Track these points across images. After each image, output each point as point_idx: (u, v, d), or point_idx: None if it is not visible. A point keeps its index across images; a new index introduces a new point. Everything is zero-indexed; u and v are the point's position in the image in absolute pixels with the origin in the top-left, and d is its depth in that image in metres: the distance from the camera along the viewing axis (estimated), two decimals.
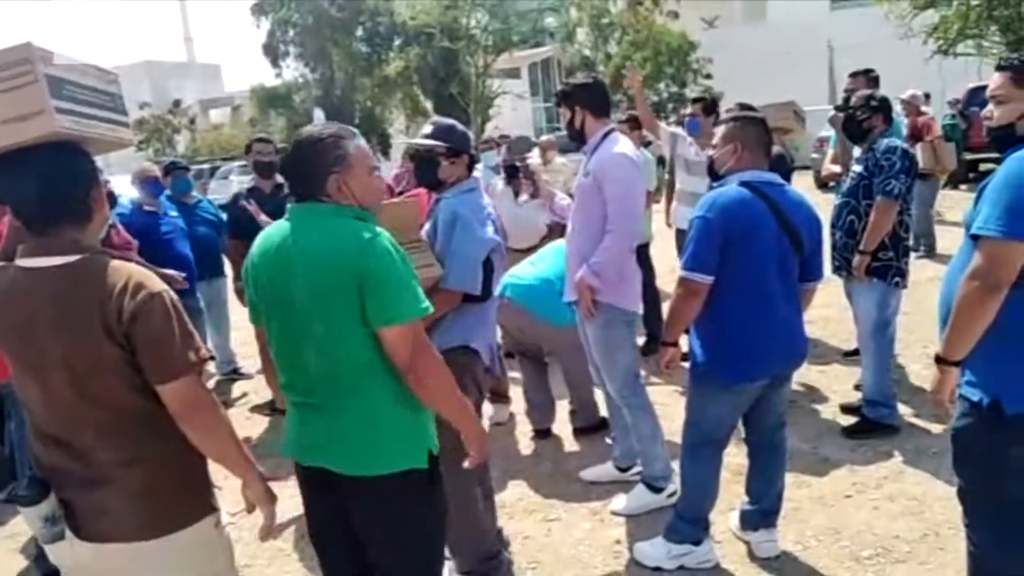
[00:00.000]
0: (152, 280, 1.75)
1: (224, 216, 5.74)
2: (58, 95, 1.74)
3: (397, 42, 32.08)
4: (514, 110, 31.23)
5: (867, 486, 3.60)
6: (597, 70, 28.71)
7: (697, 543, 3.04)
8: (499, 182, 5.84)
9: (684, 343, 3.00)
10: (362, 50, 32.56)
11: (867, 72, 5.35)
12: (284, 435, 2.13)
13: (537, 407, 4.55)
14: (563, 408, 4.58)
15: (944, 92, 16.42)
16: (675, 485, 3.53)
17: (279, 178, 5.34)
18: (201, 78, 53.94)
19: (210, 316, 5.88)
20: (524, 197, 4.27)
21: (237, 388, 6.05)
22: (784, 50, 24.65)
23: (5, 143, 1.71)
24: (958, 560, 2.65)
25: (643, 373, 3.72)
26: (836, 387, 4.85)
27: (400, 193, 6.28)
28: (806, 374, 5.09)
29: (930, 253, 8.21)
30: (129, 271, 1.74)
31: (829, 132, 5.40)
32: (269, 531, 1.98)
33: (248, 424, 5.19)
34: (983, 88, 2.87)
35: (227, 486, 2.47)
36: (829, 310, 6.20)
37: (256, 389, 5.82)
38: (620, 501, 3.60)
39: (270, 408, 5.31)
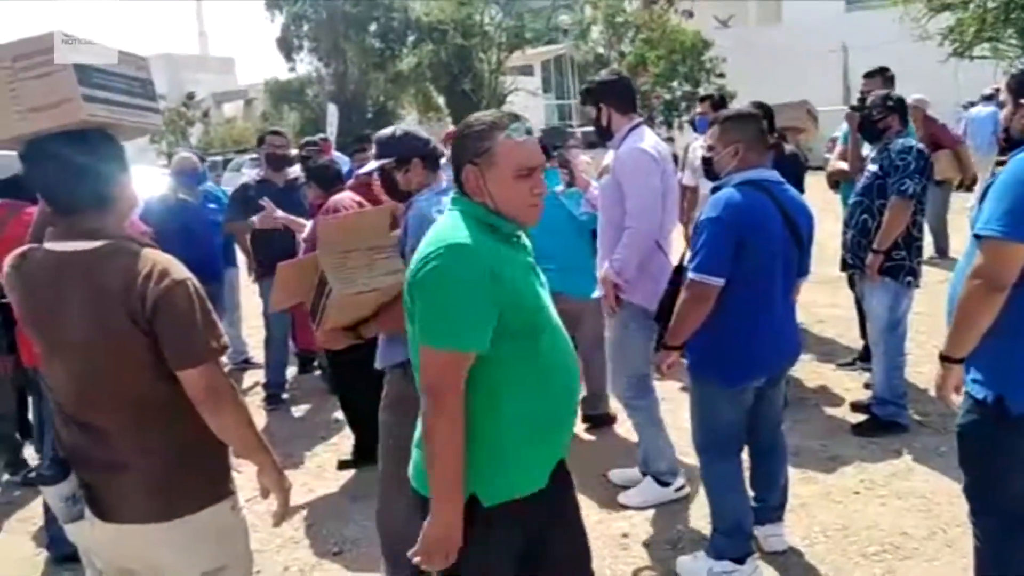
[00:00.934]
0: (176, 267, 1.79)
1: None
2: (87, 83, 1.77)
3: (411, 38, 32.09)
4: (527, 107, 31.20)
5: (876, 483, 3.61)
6: (614, 68, 28.68)
7: (740, 561, 2.87)
8: None
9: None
10: (375, 45, 32.56)
11: (883, 71, 5.34)
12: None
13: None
14: None
15: (960, 95, 16.34)
16: (683, 480, 3.55)
17: (292, 172, 5.38)
18: (215, 71, 54.11)
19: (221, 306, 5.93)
20: (560, 186, 4.27)
21: (248, 378, 6.10)
22: (798, 50, 24.52)
23: (33, 130, 1.75)
24: (966, 558, 2.66)
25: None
26: (847, 385, 4.85)
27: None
28: (818, 372, 5.10)
29: (942, 255, 8.18)
30: (154, 258, 1.77)
31: (840, 132, 5.39)
32: (283, 516, 2.01)
33: (259, 414, 5.23)
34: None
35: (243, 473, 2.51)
36: (840, 309, 6.20)
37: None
38: (628, 494, 3.61)
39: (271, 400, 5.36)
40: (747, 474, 3.09)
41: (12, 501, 4.27)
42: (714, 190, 2.89)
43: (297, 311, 4.35)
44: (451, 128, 24.42)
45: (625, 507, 3.56)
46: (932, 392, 2.44)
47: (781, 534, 3.12)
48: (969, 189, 12.66)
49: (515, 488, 1.79)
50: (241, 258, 6.07)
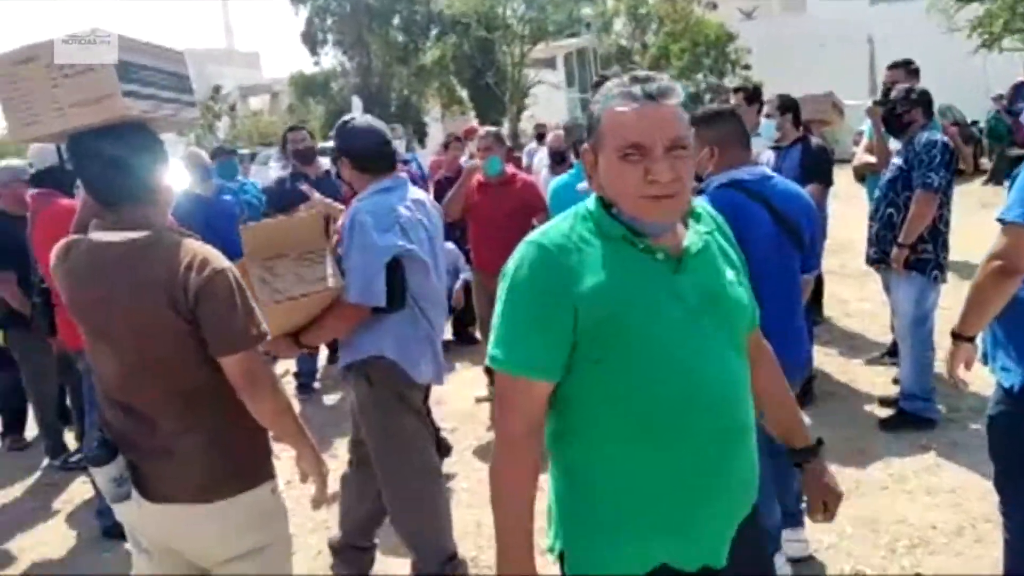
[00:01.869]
0: (217, 257, 1.84)
1: (264, 199, 5.86)
2: (126, 79, 1.83)
3: (434, 31, 32.13)
4: (550, 101, 31.13)
5: (904, 478, 3.61)
6: (634, 60, 28.50)
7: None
8: (544, 169, 5.92)
9: None
10: (399, 39, 32.65)
11: (906, 64, 5.28)
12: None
13: None
14: None
15: (989, 88, 16.10)
16: None
17: (324, 163, 5.44)
18: (241, 65, 54.46)
19: None
20: (585, 184, 4.30)
21: (279, 366, 6.19)
22: (824, 42, 24.28)
23: (75, 125, 1.81)
24: (994, 553, 2.66)
25: None
26: (875, 380, 4.84)
27: (445, 181, 6.35)
28: (845, 366, 5.09)
29: None
30: (195, 248, 1.83)
31: (867, 125, 5.35)
32: (321, 501, 2.07)
33: (292, 402, 5.31)
34: None
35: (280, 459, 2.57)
36: (869, 304, 6.17)
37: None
38: None
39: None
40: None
41: (53, 483, 4.40)
42: (697, 192, 2.74)
43: None
44: (474, 122, 24.26)
45: None
46: (965, 386, 2.44)
47: (801, 540, 3.04)
48: (993, 179, 12.49)
49: (609, 566, 1.44)
50: None
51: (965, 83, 16.85)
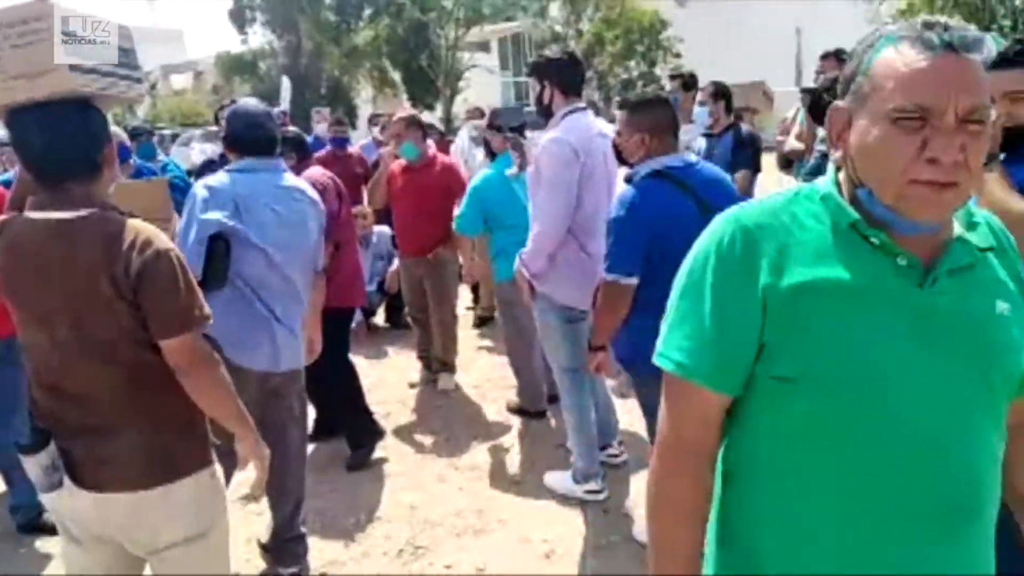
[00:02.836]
0: (159, 237, 1.81)
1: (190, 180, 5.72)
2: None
3: (367, 12, 31.66)
4: (484, 84, 31.03)
5: None
6: (568, 47, 28.64)
7: None
8: (479, 153, 5.90)
9: None
10: (330, 18, 32.05)
11: (837, 54, 5.47)
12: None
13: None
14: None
15: None
16: (596, 484, 3.47)
17: None
18: (163, 43, 52.53)
19: None
20: (513, 169, 4.28)
21: None
22: (753, 31, 24.88)
23: (19, 98, 1.75)
24: None
25: None
26: None
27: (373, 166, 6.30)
28: None
29: None
30: (137, 228, 1.79)
31: (790, 112, 5.54)
32: (262, 484, 2.07)
33: None
34: None
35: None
36: None
37: None
38: (552, 476, 3.64)
39: None
40: None
41: None
42: (627, 179, 2.85)
43: None
44: (406, 105, 23.98)
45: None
46: None
47: None
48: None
49: None
50: None
51: None
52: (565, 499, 3.48)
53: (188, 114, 32.63)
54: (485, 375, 5.14)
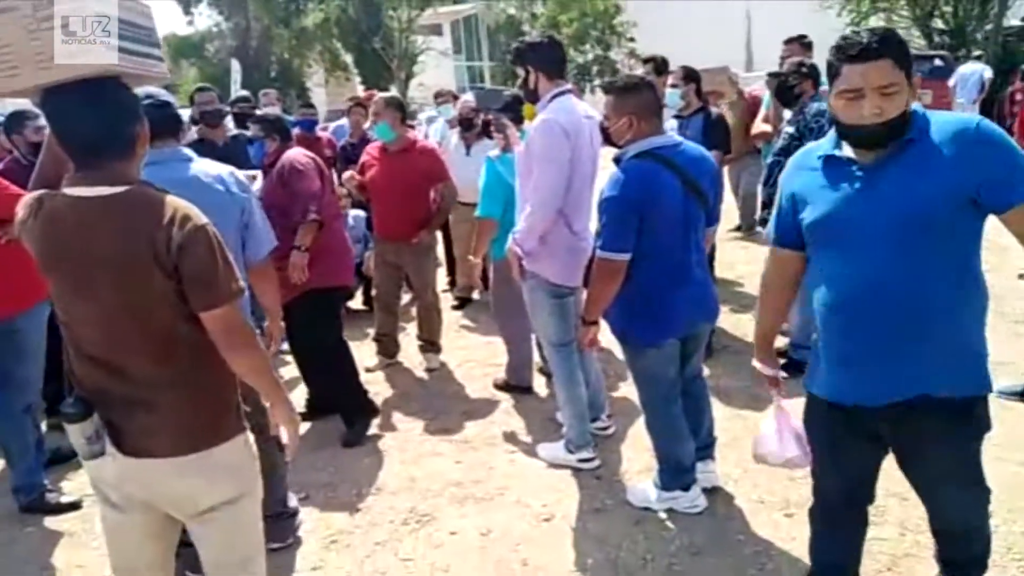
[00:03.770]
0: (196, 213, 1.88)
1: None
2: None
3: None
4: (437, 67, 30.85)
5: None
6: (522, 30, 28.63)
7: (686, 488, 3.17)
8: (454, 135, 5.97)
9: None
10: None
11: (801, 38, 5.70)
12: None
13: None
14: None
15: None
16: (588, 453, 3.62)
17: (231, 126, 5.33)
18: None
19: None
20: (495, 151, 4.34)
21: None
22: (705, 16, 25.21)
23: (55, 78, 1.79)
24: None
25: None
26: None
27: (350, 147, 6.33)
28: (738, 323, 5.50)
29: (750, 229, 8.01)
30: (176, 203, 1.86)
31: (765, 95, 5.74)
32: (294, 450, 2.16)
33: None
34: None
35: None
36: (752, 266, 6.64)
37: None
38: (545, 447, 3.78)
39: None
40: None
41: None
42: (616, 160, 2.96)
43: None
44: (359, 88, 23.59)
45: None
46: None
47: (713, 471, 3.36)
48: None
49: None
50: None
51: None
52: (559, 468, 3.63)
53: None
54: (467, 355, 5.26)
